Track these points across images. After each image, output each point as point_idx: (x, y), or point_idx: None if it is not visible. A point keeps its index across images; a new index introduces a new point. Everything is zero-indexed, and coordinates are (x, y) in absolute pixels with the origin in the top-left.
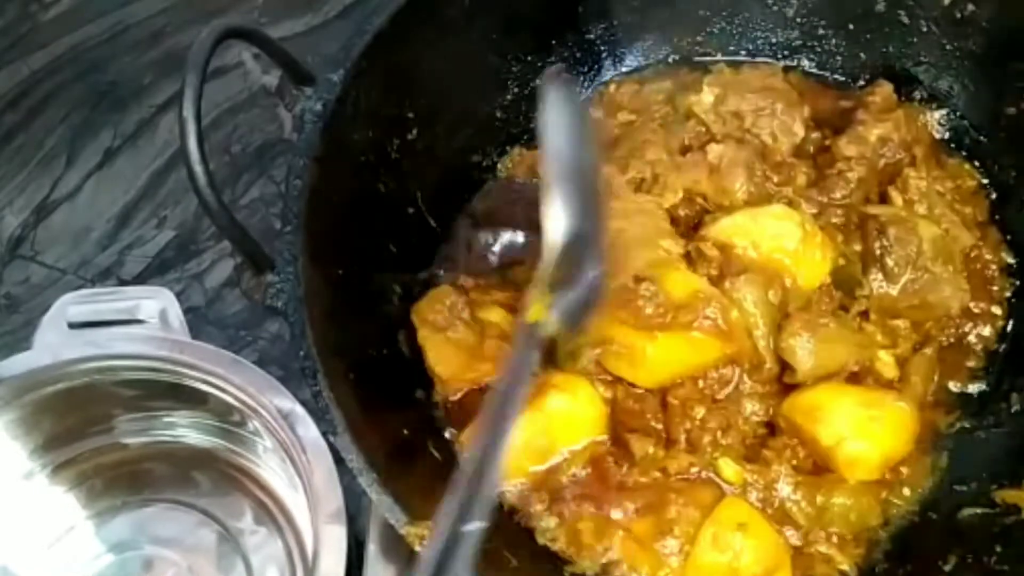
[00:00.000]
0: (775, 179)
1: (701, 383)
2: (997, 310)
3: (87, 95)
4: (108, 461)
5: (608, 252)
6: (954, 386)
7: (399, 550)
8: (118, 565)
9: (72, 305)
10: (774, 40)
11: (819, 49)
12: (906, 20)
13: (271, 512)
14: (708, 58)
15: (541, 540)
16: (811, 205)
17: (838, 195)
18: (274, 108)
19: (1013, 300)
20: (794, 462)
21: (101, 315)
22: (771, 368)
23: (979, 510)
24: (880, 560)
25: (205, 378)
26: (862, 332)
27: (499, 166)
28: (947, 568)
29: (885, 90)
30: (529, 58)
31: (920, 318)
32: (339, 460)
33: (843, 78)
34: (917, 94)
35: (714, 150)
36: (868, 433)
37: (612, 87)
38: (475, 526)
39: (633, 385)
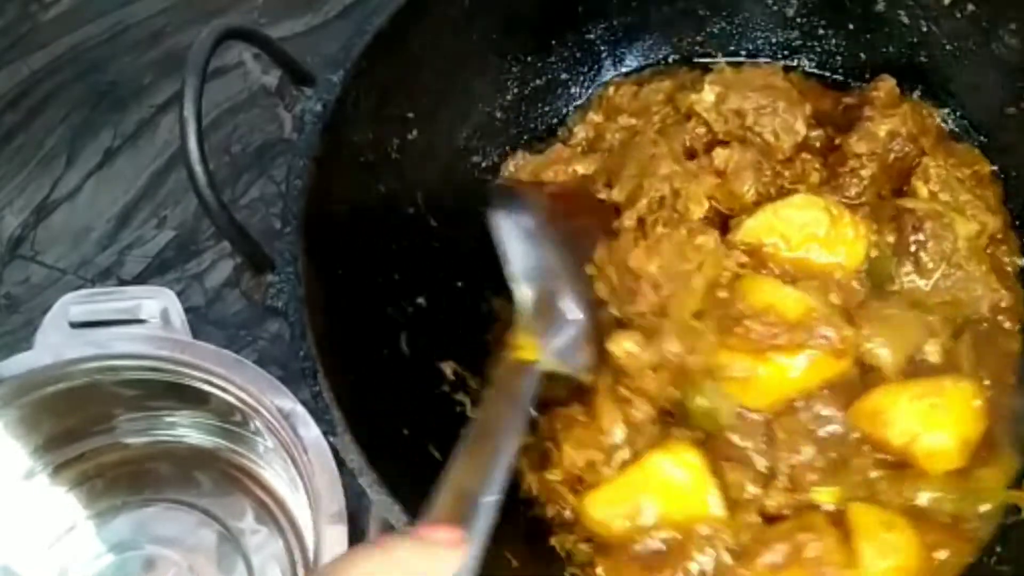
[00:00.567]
0: (787, 174)
1: (805, 416)
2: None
3: (87, 95)
4: (109, 461)
5: (589, 297)
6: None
7: None
8: (119, 565)
9: (73, 305)
10: (774, 40)
11: (819, 49)
12: (906, 20)
13: (272, 512)
14: (708, 59)
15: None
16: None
17: (852, 193)
18: (274, 108)
19: None
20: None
21: (102, 315)
22: (853, 373)
23: None
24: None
25: (206, 378)
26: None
27: (501, 171)
28: None
29: (888, 84)
30: (529, 58)
31: (950, 314)
32: (340, 460)
33: (843, 78)
34: (916, 93)
35: (720, 155)
36: (936, 422)
37: (611, 89)
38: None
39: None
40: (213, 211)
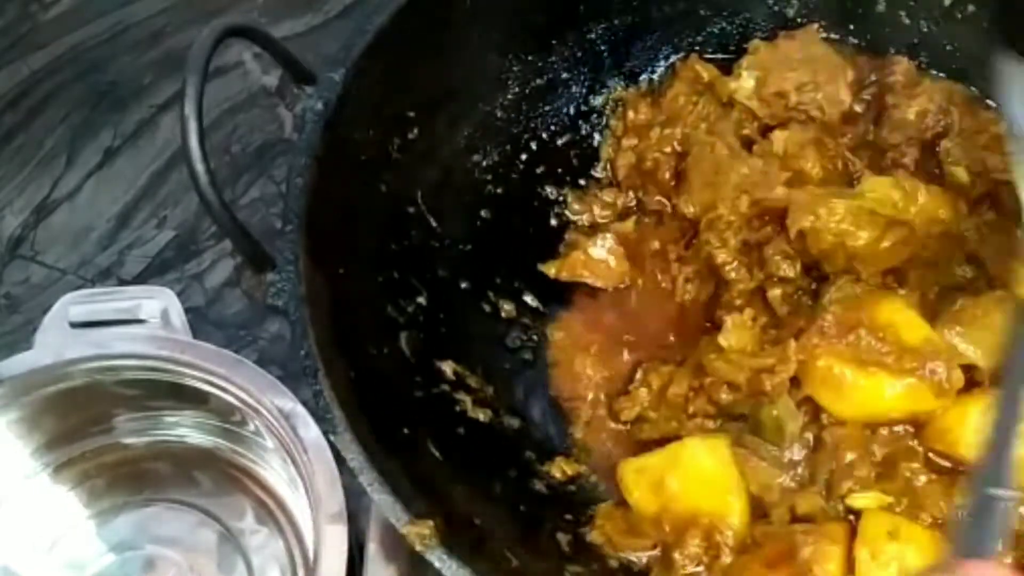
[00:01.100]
0: (846, 142)
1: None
2: None
3: (87, 95)
4: (109, 461)
5: None
6: None
7: (399, 550)
8: (119, 565)
9: (74, 305)
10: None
11: None
12: (906, 20)
13: (272, 512)
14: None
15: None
16: None
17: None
18: (274, 108)
19: None
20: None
21: (103, 315)
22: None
23: None
24: None
25: (206, 378)
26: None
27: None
28: None
29: (903, 65)
30: (529, 58)
31: None
32: (340, 460)
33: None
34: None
35: (779, 138)
36: None
37: (629, 112)
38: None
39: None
40: (214, 210)
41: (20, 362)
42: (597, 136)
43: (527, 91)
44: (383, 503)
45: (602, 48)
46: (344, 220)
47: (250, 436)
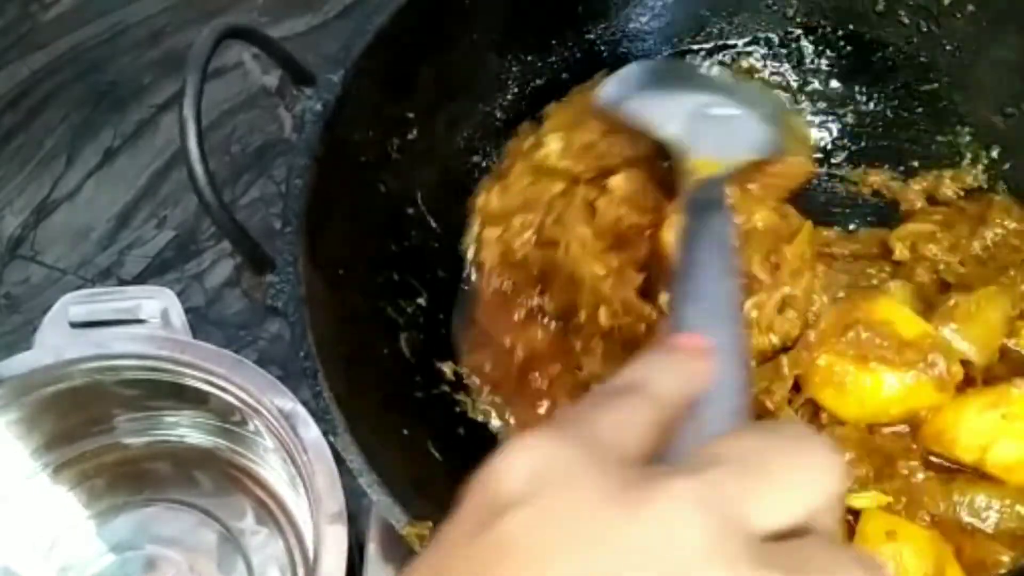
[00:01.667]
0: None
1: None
2: None
3: (87, 95)
4: (109, 461)
5: None
6: None
7: (399, 550)
8: (119, 565)
9: (74, 305)
10: (775, 40)
11: (819, 49)
12: (906, 20)
13: (272, 512)
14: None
15: None
16: None
17: None
18: (274, 108)
19: None
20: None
21: (103, 315)
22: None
23: None
24: None
25: (207, 378)
26: (1005, 278)
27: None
28: None
29: None
30: (529, 58)
31: None
32: (340, 460)
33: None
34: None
35: (614, 183)
36: (1008, 432)
37: (481, 199)
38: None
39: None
40: (213, 210)
41: (20, 362)
42: None
43: (527, 91)
44: (383, 504)
45: (602, 48)
46: (344, 221)
47: (250, 436)
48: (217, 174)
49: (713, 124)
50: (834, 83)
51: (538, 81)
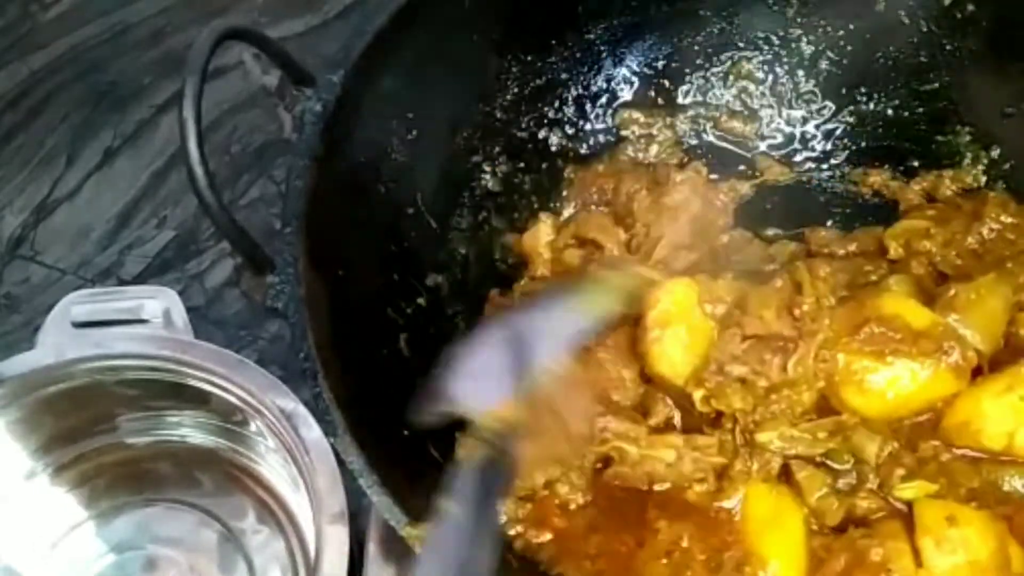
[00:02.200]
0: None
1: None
2: None
3: (87, 95)
4: (111, 460)
5: None
6: None
7: (399, 550)
8: (120, 565)
9: (76, 304)
10: (775, 40)
11: (819, 50)
12: (906, 20)
13: (273, 512)
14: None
15: None
16: None
17: None
18: (274, 108)
19: None
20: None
21: (105, 315)
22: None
23: None
24: None
25: (208, 378)
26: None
27: None
28: None
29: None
30: (529, 58)
31: None
32: (341, 460)
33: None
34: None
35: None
36: None
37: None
38: None
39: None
40: (213, 211)
41: (22, 362)
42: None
43: (527, 91)
44: (382, 504)
45: (602, 48)
46: (343, 221)
47: (251, 436)
48: (217, 174)
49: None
50: (834, 83)
51: (538, 81)
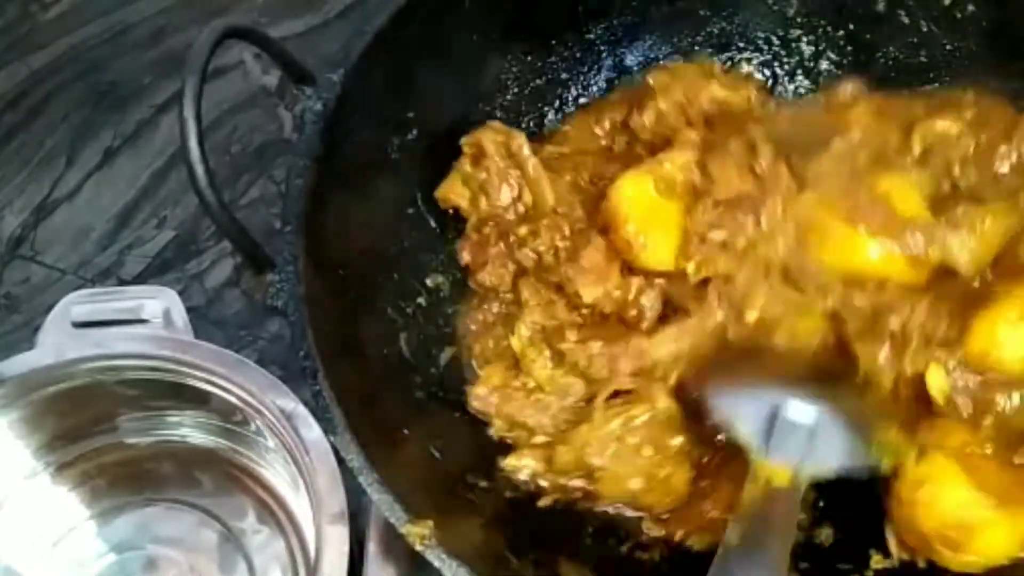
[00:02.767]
0: None
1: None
2: None
3: (87, 95)
4: (111, 461)
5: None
6: None
7: (399, 550)
8: (120, 565)
9: (76, 304)
10: (775, 40)
11: (819, 49)
12: (906, 20)
13: (273, 512)
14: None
15: None
16: None
17: None
18: (274, 108)
19: None
20: None
21: (105, 315)
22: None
23: None
24: None
25: (208, 378)
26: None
27: None
28: None
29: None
30: (529, 58)
31: None
32: (341, 460)
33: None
34: None
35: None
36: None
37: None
38: None
39: None
40: (213, 210)
41: (22, 362)
42: None
43: (527, 91)
44: (383, 503)
45: (602, 48)
46: (344, 221)
47: (251, 436)
48: (217, 174)
49: (790, 430)
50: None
51: (538, 81)
